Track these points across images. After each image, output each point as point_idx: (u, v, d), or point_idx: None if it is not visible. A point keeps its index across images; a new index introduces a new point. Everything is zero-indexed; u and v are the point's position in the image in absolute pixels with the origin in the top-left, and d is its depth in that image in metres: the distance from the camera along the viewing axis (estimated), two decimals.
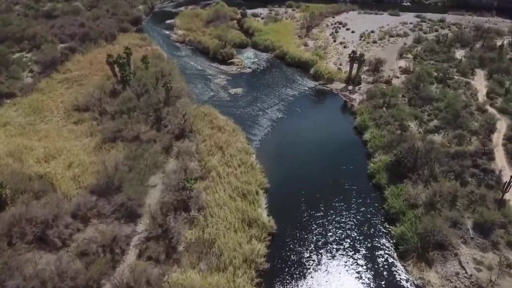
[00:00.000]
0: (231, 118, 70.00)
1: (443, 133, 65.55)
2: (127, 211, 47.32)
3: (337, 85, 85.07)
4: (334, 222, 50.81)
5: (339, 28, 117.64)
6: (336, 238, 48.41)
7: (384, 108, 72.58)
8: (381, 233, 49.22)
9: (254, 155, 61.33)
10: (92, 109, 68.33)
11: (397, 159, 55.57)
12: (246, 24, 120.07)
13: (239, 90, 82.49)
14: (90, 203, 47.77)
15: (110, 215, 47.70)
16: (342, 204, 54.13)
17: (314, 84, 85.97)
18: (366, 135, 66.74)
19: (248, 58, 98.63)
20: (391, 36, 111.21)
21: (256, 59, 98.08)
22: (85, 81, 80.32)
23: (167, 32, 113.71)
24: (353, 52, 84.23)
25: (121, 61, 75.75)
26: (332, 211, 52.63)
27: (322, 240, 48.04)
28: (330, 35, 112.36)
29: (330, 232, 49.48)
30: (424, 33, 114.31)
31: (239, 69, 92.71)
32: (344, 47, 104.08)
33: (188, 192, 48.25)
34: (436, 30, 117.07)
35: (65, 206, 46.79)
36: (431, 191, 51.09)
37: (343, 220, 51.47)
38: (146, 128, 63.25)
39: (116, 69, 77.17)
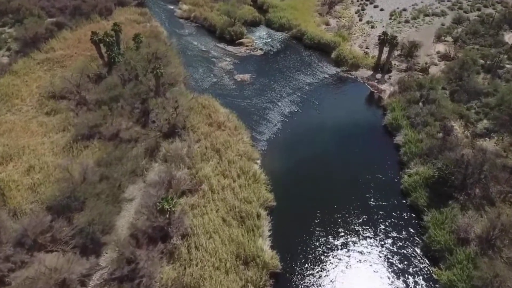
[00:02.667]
0: (234, 112, 58.22)
1: (496, 137, 52.52)
2: (88, 238, 36.50)
3: (363, 73, 71.91)
4: (357, 255, 39.41)
5: (366, 5, 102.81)
6: (361, 278, 36.93)
7: (421, 104, 59.47)
8: (419, 276, 37.42)
9: (258, 161, 49.69)
10: (69, 98, 57.25)
11: (442, 175, 43.07)
12: None
13: (246, 76, 70.21)
14: (43, 225, 37.17)
15: (68, 241, 37.11)
16: (368, 229, 42.60)
17: (336, 71, 72.94)
18: (399, 138, 54.09)
19: (260, 38, 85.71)
20: (426, 15, 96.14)
21: (269, 40, 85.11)
22: (68, 62, 69.17)
23: (171, 7, 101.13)
24: (384, 33, 70.59)
25: (108, 40, 64.22)
26: (355, 239, 41.31)
27: (342, 281, 36.62)
28: (356, 13, 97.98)
29: (352, 268, 38.06)
30: (465, 12, 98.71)
31: (248, 51, 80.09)
32: (372, 27, 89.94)
33: (167, 216, 37.05)
34: (479, 9, 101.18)
35: (9, 230, 36.26)
36: (487, 220, 38.78)
37: (368, 251, 40.12)
38: (129, 123, 52.03)
39: (103, 49, 65.73)
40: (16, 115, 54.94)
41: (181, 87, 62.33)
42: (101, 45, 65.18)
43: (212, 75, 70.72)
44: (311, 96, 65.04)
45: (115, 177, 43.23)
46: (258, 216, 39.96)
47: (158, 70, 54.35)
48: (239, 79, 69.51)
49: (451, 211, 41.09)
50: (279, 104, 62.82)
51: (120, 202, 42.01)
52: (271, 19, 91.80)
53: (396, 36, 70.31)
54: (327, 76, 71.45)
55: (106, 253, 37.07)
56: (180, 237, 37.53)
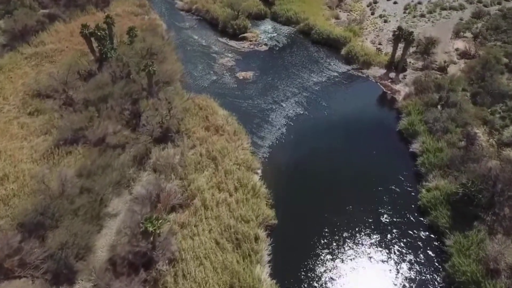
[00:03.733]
0: (234, 114, 53.18)
1: None
2: (59, 264, 31.86)
3: (375, 71, 66.33)
4: (368, 283, 34.39)
5: None
6: None
7: (439, 107, 53.95)
8: None
9: (259, 171, 44.68)
10: (54, 97, 52.54)
11: (467, 193, 37.75)
12: None
13: (249, 74, 64.98)
14: (11, 246, 32.60)
15: (39, 265, 32.55)
16: (381, 251, 37.89)
17: (346, 69, 67.41)
18: (416, 146, 48.73)
19: (264, 33, 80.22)
20: (443, 8, 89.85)
21: (275, 34, 79.60)
22: (59, 57, 64.43)
23: None
24: (399, 28, 64.86)
25: (99, 34, 59.30)
26: (365, 263, 36.67)
27: None
28: (368, 6, 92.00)
29: None
30: (485, 5, 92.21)
31: (252, 46, 74.71)
32: (385, 21, 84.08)
33: (151, 239, 32.26)
34: (499, 3, 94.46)
35: None
36: None
37: (381, 279, 35.08)
38: (118, 126, 47.21)
39: (95, 44, 60.87)
40: None
41: (177, 86, 57.28)
42: (93, 39, 60.34)
43: (212, 72, 65.58)
44: (318, 97, 59.72)
45: (98, 189, 38.43)
46: (257, 238, 34.99)
47: (150, 68, 49.38)
48: (241, 77, 64.31)
49: (477, 234, 35.88)
50: (284, 105, 57.62)
51: (101, 219, 37.32)
52: (277, 12, 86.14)
53: (412, 32, 64.49)
54: (336, 74, 65.96)
55: (82, 280, 32.46)
56: (166, 262, 32.76)
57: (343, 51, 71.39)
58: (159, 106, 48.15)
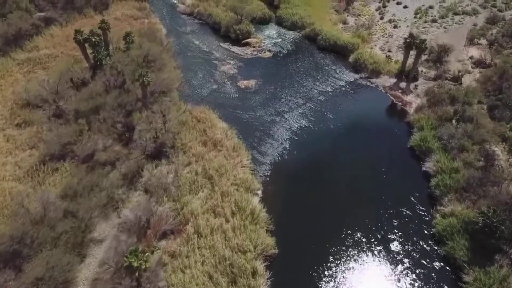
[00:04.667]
0: (234, 127, 49.96)
1: None
2: None
3: (384, 80, 62.70)
4: None
5: (388, 1, 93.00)
6: None
7: (454, 122, 50.26)
8: None
9: (259, 192, 41.32)
10: (44, 107, 49.54)
11: (488, 224, 34.11)
12: None
13: (251, 83, 61.67)
14: None
15: None
16: (392, 285, 34.05)
17: (354, 77, 63.85)
18: (429, 165, 45.10)
19: (268, 38, 76.85)
20: (455, 13, 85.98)
21: (280, 40, 76.21)
22: (52, 63, 61.75)
23: (174, 1, 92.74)
24: (411, 36, 61.23)
25: (93, 39, 56.30)
26: None
27: None
28: (376, 10, 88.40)
29: None
30: (499, 10, 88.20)
31: (255, 52, 71.39)
32: (394, 26, 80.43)
33: (136, 275, 29.00)
34: None
35: None
36: None
37: None
38: (108, 141, 44.11)
39: (89, 50, 57.87)
40: None
41: (175, 96, 54.12)
42: (87, 45, 57.34)
43: (212, 80, 62.32)
44: (324, 108, 56.24)
45: (82, 213, 35.28)
46: (254, 273, 31.58)
47: (144, 78, 46.17)
48: (242, 86, 61.01)
49: (499, 271, 32.29)
50: (287, 117, 54.22)
51: (85, 246, 34.17)
52: (282, 16, 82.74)
53: (425, 40, 60.77)
54: (344, 83, 62.42)
55: None
56: None
57: (350, 59, 67.88)
58: (153, 119, 44.98)
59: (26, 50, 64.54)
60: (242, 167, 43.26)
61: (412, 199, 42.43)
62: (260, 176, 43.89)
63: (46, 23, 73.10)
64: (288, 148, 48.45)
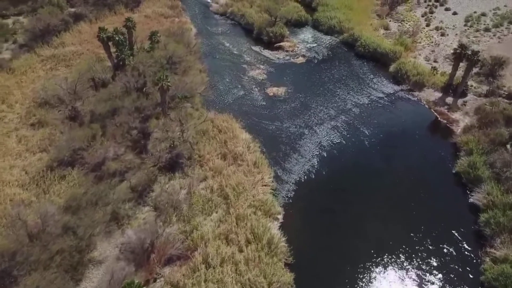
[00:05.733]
0: (258, 138, 45.87)
1: None
2: None
3: (428, 94, 56.66)
4: None
5: (435, 7, 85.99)
6: None
7: (509, 147, 43.93)
8: None
9: (279, 216, 36.86)
10: (59, 108, 47.15)
11: None
12: None
13: (281, 91, 57.26)
14: None
15: None
16: None
17: (394, 89, 58.18)
18: (478, 197, 39.17)
19: (303, 42, 72.15)
20: (511, 22, 78.21)
21: (315, 44, 71.36)
22: (76, 60, 59.80)
23: (208, 1, 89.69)
24: (461, 46, 54.88)
25: (117, 38, 53.65)
26: None
27: None
28: (422, 16, 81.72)
29: None
30: None
31: (288, 57, 66.89)
32: (442, 34, 73.68)
33: None
34: None
35: None
36: None
37: None
38: (121, 149, 40.93)
39: (113, 49, 55.31)
40: None
41: (197, 101, 50.57)
42: (111, 43, 54.76)
43: (239, 86, 58.36)
44: (359, 122, 51.06)
45: (83, 230, 32.05)
46: None
47: (164, 82, 42.69)
48: (271, 94, 56.69)
49: None
50: (317, 130, 49.44)
51: (83, 266, 30.91)
52: (319, 19, 77.79)
53: (478, 52, 54.25)
54: (382, 95, 56.88)
55: None
56: None
57: (391, 68, 62.15)
58: (170, 127, 41.42)
59: (52, 46, 62.99)
60: (263, 185, 39.00)
61: (456, 235, 36.77)
62: (282, 197, 39.42)
63: (76, 19, 71.70)
64: (315, 166, 43.70)
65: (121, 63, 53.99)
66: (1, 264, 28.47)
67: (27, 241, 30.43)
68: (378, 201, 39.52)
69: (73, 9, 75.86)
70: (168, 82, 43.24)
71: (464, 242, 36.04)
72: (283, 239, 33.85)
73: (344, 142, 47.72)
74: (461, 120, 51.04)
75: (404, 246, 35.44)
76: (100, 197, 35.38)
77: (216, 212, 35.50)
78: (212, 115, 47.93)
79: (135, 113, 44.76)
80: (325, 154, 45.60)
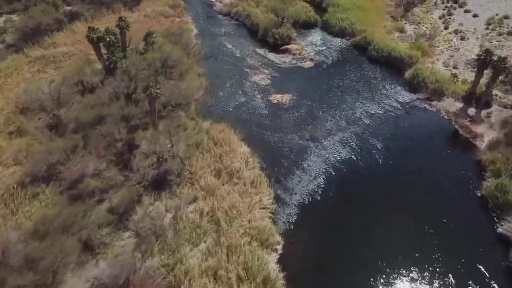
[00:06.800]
0: (257, 151, 41.22)
1: None
2: None
3: (448, 104, 51.45)
4: None
5: (454, 8, 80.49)
6: None
7: None
8: None
9: (278, 247, 32.06)
10: (40, 116, 42.90)
11: None
12: None
13: (285, 98, 52.51)
14: None
15: None
16: None
17: (410, 98, 53.06)
18: (508, 227, 34.03)
19: (311, 45, 67.26)
20: None
21: (324, 47, 66.43)
22: (67, 62, 55.64)
23: (212, 0, 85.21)
24: (486, 52, 49.60)
25: (108, 39, 49.37)
26: None
27: None
28: (440, 18, 76.29)
29: None
30: None
31: (294, 61, 62.10)
32: (461, 38, 68.30)
33: None
34: None
35: None
36: None
37: None
38: (102, 164, 36.44)
39: (104, 50, 51.04)
40: None
41: (192, 110, 46.03)
42: (101, 44, 50.53)
43: (240, 92, 53.69)
44: (371, 135, 46.10)
45: (50, 261, 27.59)
46: None
47: (153, 90, 38.15)
48: (275, 101, 51.97)
49: None
50: (324, 143, 44.59)
51: None
52: (329, 20, 72.79)
53: (506, 58, 48.87)
54: (397, 104, 51.83)
55: None
56: None
57: (407, 74, 57.01)
58: (158, 139, 36.90)
59: (42, 47, 59.00)
60: (260, 208, 34.27)
61: (483, 270, 31.78)
62: (283, 222, 34.66)
63: (71, 18, 67.74)
64: (321, 186, 38.83)
65: (112, 66, 49.64)
66: None
67: None
68: (392, 227, 34.55)
69: (69, 8, 71.89)
70: (158, 89, 38.71)
71: (493, 281, 30.96)
72: (282, 275, 29.08)
73: (354, 157, 42.79)
74: (486, 134, 45.75)
75: (421, 283, 30.48)
76: (74, 221, 30.94)
77: (205, 242, 30.87)
78: (208, 124, 43.33)
79: (122, 122, 40.36)
80: (332, 171, 40.73)
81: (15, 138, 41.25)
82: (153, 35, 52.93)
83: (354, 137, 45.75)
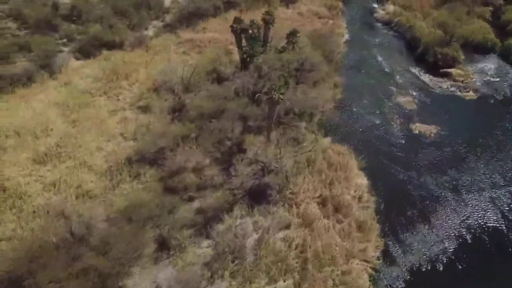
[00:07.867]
0: (377, 187, 34.63)
1: None
2: None
3: None
4: None
5: None
6: None
7: None
8: None
9: None
10: (166, 97, 43.49)
11: None
12: (507, 14, 71.53)
13: (430, 129, 43.79)
14: None
15: None
16: None
17: None
18: None
19: (481, 73, 55.58)
20: None
21: (497, 79, 54.28)
22: (210, 48, 56.09)
23: (375, 6, 77.95)
24: None
25: (250, 32, 47.69)
26: None
27: None
28: None
29: None
30: None
31: (453, 88, 51.99)
32: None
33: None
34: None
35: None
36: None
37: None
38: (205, 160, 34.54)
39: (244, 42, 49.68)
40: (104, 106, 43.57)
41: (315, 123, 41.21)
42: (243, 36, 49.16)
43: (378, 112, 46.74)
44: None
45: (121, 251, 26.44)
46: None
47: (275, 93, 34.53)
48: (416, 131, 43.80)
49: None
50: (468, 198, 35.40)
51: None
52: None
53: None
54: None
55: None
56: None
57: None
58: (266, 149, 33.31)
59: (194, 31, 60.86)
60: (361, 260, 28.00)
61: None
62: (385, 286, 27.76)
63: (227, 6, 68.79)
64: (449, 253, 30.45)
65: (248, 59, 47.89)
66: (22, 268, 24.50)
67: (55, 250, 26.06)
68: None
69: None
70: (282, 93, 34.92)
71: None
72: None
73: (504, 228, 32.79)
74: None
75: None
76: (161, 214, 29.48)
77: (285, 281, 26.19)
78: (327, 143, 38.12)
79: (239, 121, 37.96)
80: (469, 239, 31.77)
81: (141, 113, 42.40)
82: (297, 34, 49.33)
83: (509, 201, 35.27)
